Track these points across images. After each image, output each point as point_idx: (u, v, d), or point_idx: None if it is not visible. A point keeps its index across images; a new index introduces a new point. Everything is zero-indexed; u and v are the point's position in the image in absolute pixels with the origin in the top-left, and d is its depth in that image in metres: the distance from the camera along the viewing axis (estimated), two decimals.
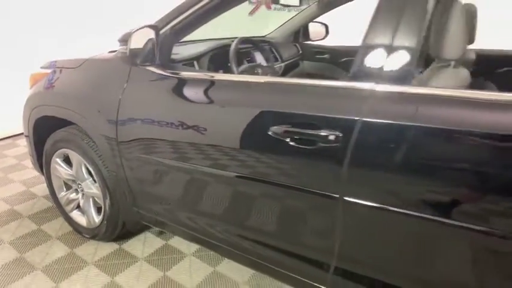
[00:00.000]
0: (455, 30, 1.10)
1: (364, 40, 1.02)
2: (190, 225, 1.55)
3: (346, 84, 1.04)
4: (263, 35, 2.64)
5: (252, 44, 2.02)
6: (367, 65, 1.01)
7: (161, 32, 1.38)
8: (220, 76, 1.43)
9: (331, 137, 1.01)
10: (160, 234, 2.07)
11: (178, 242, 2.00)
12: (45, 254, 1.89)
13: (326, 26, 2.66)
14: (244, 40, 1.88)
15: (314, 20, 2.56)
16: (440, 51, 1.13)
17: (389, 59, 0.98)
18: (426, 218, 0.93)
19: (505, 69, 2.06)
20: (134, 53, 1.34)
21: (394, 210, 0.98)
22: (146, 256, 1.89)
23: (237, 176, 1.26)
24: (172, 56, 1.59)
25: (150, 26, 1.32)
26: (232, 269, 1.78)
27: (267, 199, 1.26)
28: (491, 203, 0.86)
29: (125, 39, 1.32)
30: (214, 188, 1.39)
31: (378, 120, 0.96)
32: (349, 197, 1.03)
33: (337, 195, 1.05)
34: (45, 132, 1.95)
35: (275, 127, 1.11)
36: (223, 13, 1.36)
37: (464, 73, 1.23)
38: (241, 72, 1.75)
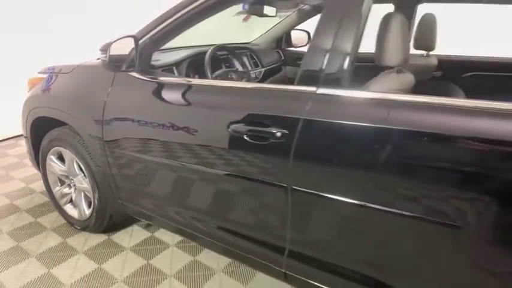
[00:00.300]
0: (393, 40, 1.25)
1: (308, 50, 1.17)
2: (169, 216, 1.70)
3: (293, 88, 1.20)
4: (249, 41, 2.80)
5: (228, 51, 2.18)
6: (310, 71, 1.16)
7: (141, 41, 1.55)
8: (195, 81, 1.59)
9: (278, 134, 1.16)
10: (146, 227, 2.22)
11: (163, 234, 2.15)
12: (39, 243, 2.05)
13: (308, 33, 2.81)
14: (221, 47, 2.04)
15: (296, 28, 2.71)
16: (382, 59, 1.27)
17: (327, 66, 1.13)
18: (358, 204, 1.08)
19: (471, 73, 2.20)
20: (117, 59, 1.51)
21: (333, 198, 1.13)
22: (132, 246, 2.05)
23: (205, 170, 1.42)
24: (154, 63, 1.76)
25: (130, 36, 1.48)
26: (211, 258, 1.93)
27: (230, 190, 1.41)
28: (417, 188, 1.00)
29: (105, 49, 1.48)
30: (187, 181, 1.54)
31: (317, 119, 1.11)
32: (296, 186, 1.18)
33: (286, 185, 1.20)
34: (41, 132, 2.12)
35: (235, 125, 1.26)
36: (196, 24, 1.52)
37: (406, 77, 1.38)
38: (216, 77, 1.92)
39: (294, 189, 1.19)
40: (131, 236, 2.14)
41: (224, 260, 1.91)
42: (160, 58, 1.87)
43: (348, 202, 1.10)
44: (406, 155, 1.00)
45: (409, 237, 1.05)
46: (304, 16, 2.45)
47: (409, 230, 1.04)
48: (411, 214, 0.99)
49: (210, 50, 1.85)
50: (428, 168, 0.98)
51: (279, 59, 2.76)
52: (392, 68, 1.34)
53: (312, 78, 1.15)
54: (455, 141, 0.94)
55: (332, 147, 1.10)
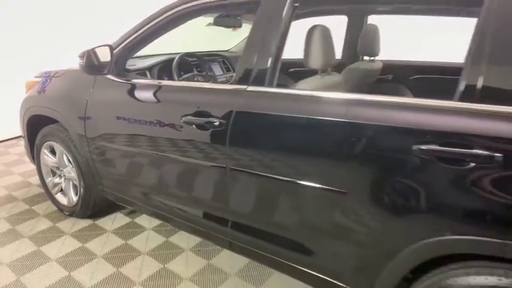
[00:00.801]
0: (316, 48, 1.51)
1: (241, 56, 1.45)
2: (141, 199, 1.97)
3: (230, 87, 1.47)
4: (227, 49, 3.09)
5: (196, 57, 2.46)
6: (243, 73, 1.43)
7: (116, 49, 1.84)
8: (162, 82, 1.86)
9: (217, 123, 1.43)
10: (128, 213, 2.49)
11: (142, 220, 2.42)
12: (32, 227, 2.33)
13: None
14: (190, 54, 2.33)
15: None
16: (307, 63, 1.54)
17: (255, 69, 1.40)
18: (280, 179, 1.34)
19: (417, 76, 2.46)
20: (97, 64, 1.79)
21: (262, 175, 1.39)
22: (113, 229, 2.31)
23: (168, 157, 1.69)
24: (130, 67, 2.05)
25: (106, 45, 1.77)
26: (180, 238, 2.19)
27: (186, 173, 1.68)
28: (320, 165, 1.26)
29: (82, 55, 1.76)
30: (155, 167, 1.81)
31: (246, 111, 1.38)
32: (233, 166, 1.45)
33: (225, 165, 1.47)
34: (36, 129, 2.41)
35: (187, 117, 1.53)
36: (163, 35, 1.81)
37: (330, 78, 1.65)
38: (183, 80, 2.19)
39: (232, 169, 1.46)
40: (113, 221, 2.41)
41: (194, 239, 2.17)
42: (136, 63, 2.16)
43: (272, 178, 1.36)
44: (310, 139, 1.27)
45: (316, 201, 1.30)
46: None
47: (315, 196, 1.30)
48: (315, 185, 1.26)
49: (177, 57, 2.13)
50: (326, 149, 1.24)
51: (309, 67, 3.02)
52: (316, 70, 1.61)
53: (244, 78, 1.42)
54: (350, 127, 1.19)
55: (258, 133, 1.37)
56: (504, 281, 0.99)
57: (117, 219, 2.43)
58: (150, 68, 2.18)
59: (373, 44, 2.15)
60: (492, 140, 0.96)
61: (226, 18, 2.19)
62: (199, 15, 1.73)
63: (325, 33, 1.55)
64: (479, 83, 1.01)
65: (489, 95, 1.00)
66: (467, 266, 1.06)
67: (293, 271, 1.48)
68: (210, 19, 2.40)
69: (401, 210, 1.13)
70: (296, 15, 1.45)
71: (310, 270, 1.42)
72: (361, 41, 2.15)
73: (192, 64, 2.42)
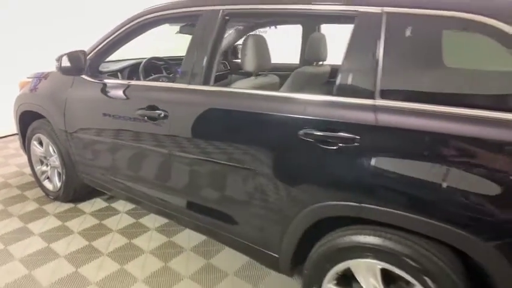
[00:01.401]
0: (250, 53, 1.81)
1: (183, 60, 1.76)
2: (112, 183, 2.28)
3: (172, 84, 1.78)
4: None
5: (163, 61, 2.77)
6: (184, 73, 1.74)
7: (90, 54, 2.16)
8: (127, 82, 2.17)
9: (162, 114, 1.74)
10: (107, 199, 2.81)
11: (118, 204, 2.73)
12: (21, 208, 2.66)
13: None
14: (157, 58, 2.65)
15: (239, 43, 3.31)
16: (243, 66, 1.84)
17: (194, 70, 1.70)
18: (210, 161, 1.64)
19: None
20: (71, 67, 2.11)
21: (196, 158, 1.69)
22: (91, 212, 2.63)
23: (128, 145, 2.00)
24: (104, 69, 2.37)
25: (80, 51, 2.10)
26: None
27: (140, 158, 1.99)
28: (235, 147, 1.55)
29: (58, 59, 2.09)
30: (120, 155, 2.12)
31: (184, 103, 1.69)
32: (174, 152, 1.75)
33: (167, 151, 1.77)
34: (27, 122, 2.74)
35: (140, 111, 1.85)
36: (129, 42, 2.13)
37: (263, 79, 1.94)
38: (150, 80, 2.51)
39: (173, 154, 1.76)
40: (93, 205, 2.73)
41: (160, 219, 2.47)
42: (110, 66, 2.49)
43: (203, 160, 1.66)
44: (228, 127, 1.57)
45: (235, 178, 1.60)
46: (240, 34, 3.04)
47: (233, 174, 1.59)
48: (233, 164, 1.56)
49: (144, 61, 2.46)
50: (238, 135, 1.54)
51: (224, 69, 3.35)
52: (251, 73, 1.91)
53: (185, 78, 1.73)
54: (254, 117, 1.49)
55: (192, 123, 1.67)
56: (371, 238, 1.26)
57: (96, 204, 2.74)
58: (121, 70, 2.51)
59: (319, 51, 2.44)
60: (352, 126, 1.25)
61: (189, 27, 2.50)
62: (158, 25, 2.05)
63: (259, 41, 1.85)
64: (347, 82, 1.30)
65: (351, 91, 1.29)
66: (349, 228, 1.34)
67: (225, 239, 1.78)
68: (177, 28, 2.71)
69: (294, 183, 1.42)
70: (255, 25, 1.76)
71: (237, 237, 1.71)
72: (307, 48, 2.44)
73: (162, 67, 2.74)
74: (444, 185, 1.10)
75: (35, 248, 2.20)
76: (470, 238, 1.08)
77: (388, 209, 1.21)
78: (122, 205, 2.73)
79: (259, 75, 1.98)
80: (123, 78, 2.52)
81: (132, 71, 2.51)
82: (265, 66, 1.92)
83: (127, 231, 2.39)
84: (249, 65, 1.83)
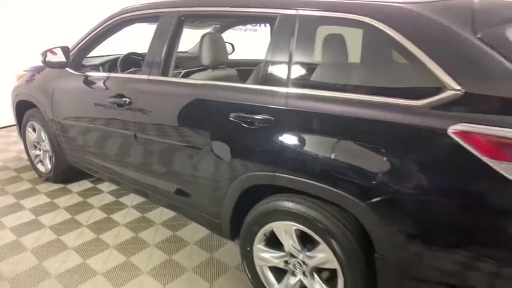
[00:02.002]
0: (205, 49, 2.06)
1: (146, 54, 2.03)
2: (94, 164, 2.57)
3: (136, 76, 2.06)
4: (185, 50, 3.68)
5: (140, 56, 3.05)
6: (146, 66, 2.01)
7: (73, 50, 2.45)
8: (105, 74, 2.46)
9: (127, 101, 2.02)
10: (94, 181, 3.11)
11: (102, 185, 3.03)
12: (17, 187, 2.99)
13: (232, 45, 3.65)
14: (136, 54, 2.93)
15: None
16: (201, 60, 2.10)
17: (154, 63, 1.97)
18: (168, 142, 1.91)
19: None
20: (54, 61, 2.40)
21: (155, 139, 1.96)
22: (78, 191, 2.94)
23: (102, 129, 2.29)
24: (88, 63, 2.66)
25: (64, 46, 2.39)
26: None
27: (112, 140, 2.27)
28: (187, 130, 1.82)
29: (43, 54, 2.38)
30: (97, 138, 2.41)
31: (145, 92, 1.97)
32: (138, 134, 2.03)
33: (133, 133, 2.05)
34: (23, 111, 3.06)
35: (111, 98, 2.13)
36: (106, 39, 2.42)
37: (218, 72, 2.19)
38: (128, 73, 2.79)
39: (137, 136, 2.04)
40: (80, 186, 3.03)
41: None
42: (92, 61, 2.78)
43: (160, 141, 1.94)
44: (180, 112, 1.83)
45: (187, 156, 1.87)
46: (219, 32, 3.30)
47: (186, 153, 1.86)
48: (184, 144, 1.83)
49: (122, 56, 2.74)
50: (188, 118, 1.80)
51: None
52: (207, 66, 2.16)
53: (147, 69, 2.00)
54: (197, 102, 1.75)
55: (151, 109, 1.94)
56: (287, 203, 1.51)
57: (83, 185, 3.05)
58: (102, 64, 2.80)
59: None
60: (268, 109, 1.51)
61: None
62: (130, 24, 2.32)
63: (214, 39, 2.11)
64: (267, 72, 1.56)
65: (267, 80, 1.55)
66: (273, 196, 1.59)
67: (186, 212, 2.05)
68: None
69: (228, 158, 1.67)
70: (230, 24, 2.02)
71: (192, 209, 1.98)
72: None
73: (141, 61, 3.02)
74: (332, 156, 1.35)
75: (25, 219, 2.51)
76: (352, 200, 1.33)
77: (294, 177, 1.46)
78: (106, 186, 3.02)
79: (217, 68, 2.24)
80: (103, 72, 2.80)
81: (112, 65, 2.79)
82: (221, 61, 2.18)
83: (107, 207, 2.68)
84: (205, 59, 2.09)
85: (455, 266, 1.23)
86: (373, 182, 1.28)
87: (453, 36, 1.22)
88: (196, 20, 2.45)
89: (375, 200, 1.28)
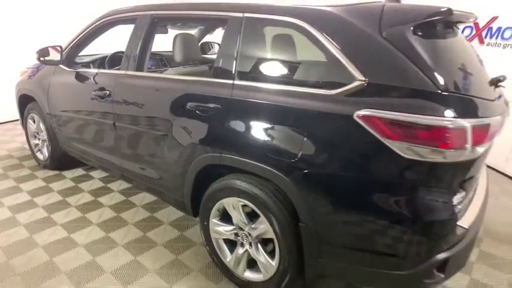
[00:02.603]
0: (177, 48, 2.30)
1: (125, 51, 2.28)
2: (83, 151, 2.84)
3: (115, 71, 2.31)
4: None
5: None
6: (124, 62, 2.27)
7: (66, 49, 2.73)
8: (96, 70, 2.72)
9: (107, 93, 2.28)
10: (87, 169, 3.39)
11: (95, 173, 3.31)
12: (17, 173, 3.29)
13: (219, 44, 3.89)
14: (121, 52, 3.19)
15: (207, 41, 3.81)
16: (174, 58, 2.34)
17: (130, 60, 2.23)
18: (140, 129, 2.16)
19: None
20: (48, 59, 2.68)
21: (130, 127, 2.21)
22: (71, 177, 3.22)
23: (88, 119, 2.55)
24: (80, 61, 2.94)
25: (57, 46, 2.66)
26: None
27: (96, 129, 2.54)
28: (153, 118, 2.06)
29: (38, 52, 2.67)
30: (84, 127, 2.68)
31: (121, 85, 2.22)
32: (117, 122, 2.29)
33: (112, 122, 2.31)
34: (25, 104, 3.36)
35: (94, 91, 2.39)
36: (95, 39, 2.69)
37: (192, 69, 2.43)
38: (114, 69, 3.07)
39: (116, 124, 2.30)
40: (73, 173, 3.32)
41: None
42: (84, 59, 3.06)
43: (134, 129, 2.19)
44: (149, 103, 2.08)
45: (154, 142, 2.11)
46: (203, 33, 3.55)
47: (154, 138, 2.11)
48: (153, 131, 2.08)
49: (109, 54, 3.02)
50: (155, 107, 2.04)
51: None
52: (179, 63, 2.40)
53: (124, 66, 2.26)
54: (164, 93, 1.99)
55: (127, 100, 2.20)
56: (234, 181, 1.74)
57: (76, 172, 3.33)
58: (93, 62, 3.07)
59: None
60: (217, 99, 1.73)
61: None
62: (114, 26, 2.58)
63: (186, 38, 2.35)
64: (219, 66, 1.78)
65: (217, 73, 1.78)
66: (226, 176, 1.82)
67: (160, 195, 2.30)
68: None
69: (187, 142, 1.90)
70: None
71: (163, 190, 2.22)
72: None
73: None
74: (265, 138, 1.58)
75: (21, 200, 2.80)
76: (280, 176, 1.54)
77: (236, 157, 1.68)
78: (97, 173, 3.30)
79: (190, 65, 2.48)
80: (94, 68, 3.08)
81: (101, 62, 3.06)
82: (192, 58, 2.41)
83: (95, 192, 2.96)
84: (177, 57, 2.33)
85: (362, 232, 1.43)
86: (295, 160, 1.49)
87: (362, 35, 1.43)
88: (166, 22, 2.69)
89: (296, 175, 1.50)
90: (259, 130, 1.61)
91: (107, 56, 3.01)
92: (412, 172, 1.33)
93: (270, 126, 1.57)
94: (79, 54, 2.89)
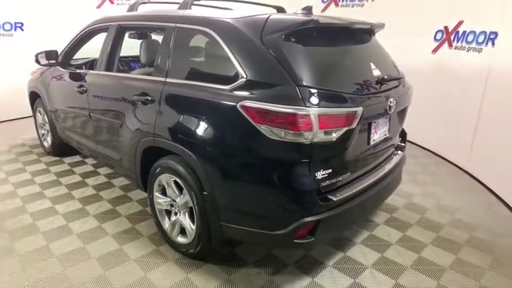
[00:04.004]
0: (141, 52, 2.73)
1: (99, 54, 2.76)
2: (72, 138, 3.36)
3: (92, 71, 2.80)
4: None
5: None
6: (97, 64, 2.75)
7: (62, 52, 3.27)
8: (82, 71, 3.23)
9: (83, 89, 2.77)
10: (84, 156, 3.93)
11: (90, 160, 3.84)
12: (26, 158, 3.90)
13: None
14: None
15: None
16: (141, 60, 2.78)
17: (100, 62, 2.70)
18: (105, 118, 2.62)
19: None
20: (46, 61, 3.23)
21: (101, 117, 2.68)
22: (69, 162, 3.77)
23: (73, 111, 3.06)
24: (74, 63, 3.48)
25: (53, 50, 3.20)
26: (103, 169, 3.57)
27: (78, 119, 3.04)
28: (109, 109, 2.51)
29: (36, 55, 3.21)
30: (72, 118, 3.20)
31: (93, 83, 2.70)
32: (91, 113, 2.77)
33: (88, 113, 2.79)
34: (34, 99, 3.96)
35: (77, 88, 2.89)
36: (84, 44, 3.20)
37: (148, 69, 2.86)
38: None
39: (91, 115, 2.78)
40: (72, 159, 3.87)
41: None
42: (79, 61, 3.60)
43: (102, 118, 2.66)
44: (110, 96, 2.54)
45: (113, 129, 2.56)
46: None
47: (113, 125, 2.56)
48: (114, 120, 2.53)
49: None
50: (114, 101, 2.49)
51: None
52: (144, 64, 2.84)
53: (97, 67, 2.74)
54: (119, 88, 2.43)
55: (97, 95, 2.67)
56: (166, 160, 2.15)
57: (74, 159, 3.88)
58: (85, 63, 3.61)
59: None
60: (153, 92, 2.15)
61: (135, 34, 3.51)
62: (96, 34, 3.07)
63: (149, 44, 2.78)
64: (158, 65, 2.20)
65: (156, 72, 2.20)
66: (166, 156, 2.23)
67: (119, 172, 2.75)
68: None
69: (135, 128, 2.33)
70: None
71: (122, 169, 2.67)
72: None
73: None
74: (180, 123, 1.97)
75: (23, 178, 3.38)
76: (189, 153, 1.92)
77: (162, 139, 2.09)
78: (91, 160, 3.83)
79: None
80: (86, 69, 3.62)
81: (91, 64, 3.59)
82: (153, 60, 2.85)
83: (85, 174, 3.48)
84: (142, 59, 2.77)
85: (245, 198, 1.79)
86: (198, 141, 1.88)
87: (248, 41, 1.79)
88: (129, 30, 3.13)
89: (198, 153, 1.89)
90: (176, 116, 2.01)
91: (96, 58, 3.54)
92: (277, 150, 1.67)
93: (183, 113, 1.97)
94: (78, 57, 3.46)
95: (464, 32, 3.77)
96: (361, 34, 2.17)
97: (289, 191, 1.69)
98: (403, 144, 2.59)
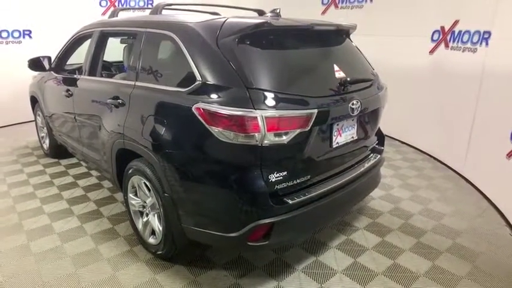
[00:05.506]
0: (123, 58, 2.81)
1: (84, 59, 2.85)
2: (64, 140, 3.48)
3: (78, 76, 2.89)
4: None
5: (107, 63, 3.92)
6: (82, 69, 2.84)
7: (55, 57, 3.40)
8: (75, 76, 3.34)
9: (70, 93, 2.87)
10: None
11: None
12: (26, 160, 4.05)
13: None
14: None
15: None
16: (124, 64, 2.86)
17: (85, 67, 2.79)
18: (86, 121, 2.71)
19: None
20: (39, 66, 3.36)
21: (83, 120, 2.77)
22: (65, 164, 3.90)
23: (62, 114, 3.17)
24: (69, 68, 3.61)
25: (47, 56, 3.33)
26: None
27: (67, 121, 3.13)
28: (93, 111, 2.59)
29: (29, 60, 3.35)
30: (62, 121, 3.30)
31: (78, 87, 2.79)
32: (76, 116, 2.86)
33: (73, 115, 2.89)
34: (34, 103, 4.13)
35: (64, 92, 2.99)
36: (75, 50, 3.32)
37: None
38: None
39: (76, 117, 2.87)
40: (69, 161, 4.00)
41: None
42: (74, 67, 3.73)
43: (84, 120, 2.74)
44: (90, 99, 2.61)
45: (93, 130, 2.64)
46: None
47: (94, 128, 2.63)
48: (93, 122, 2.61)
49: None
50: (94, 103, 2.57)
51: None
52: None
53: (81, 72, 2.83)
54: (96, 92, 2.50)
55: (83, 98, 2.76)
56: (136, 163, 2.19)
57: (71, 160, 4.00)
58: (78, 69, 3.72)
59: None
60: (123, 95, 2.20)
61: (127, 39, 3.60)
62: (85, 40, 3.17)
63: (129, 48, 2.85)
64: (128, 70, 2.25)
65: (128, 76, 2.25)
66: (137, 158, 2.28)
67: (100, 172, 2.82)
68: None
69: (110, 130, 2.38)
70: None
71: (102, 169, 2.73)
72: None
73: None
74: (143, 125, 2.01)
75: (20, 179, 3.51)
76: (151, 155, 1.95)
77: (128, 141, 2.13)
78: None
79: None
80: (79, 74, 3.75)
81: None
82: None
83: (78, 176, 3.58)
84: (125, 64, 2.84)
85: (200, 200, 1.80)
86: (157, 142, 1.91)
87: (204, 44, 1.80)
88: (109, 36, 3.22)
89: (158, 154, 1.91)
90: (141, 119, 2.04)
91: None
92: (229, 152, 1.68)
93: (147, 116, 2.00)
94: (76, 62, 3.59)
95: (460, 32, 3.65)
96: (328, 36, 2.15)
97: (241, 194, 1.68)
98: (381, 147, 2.53)
